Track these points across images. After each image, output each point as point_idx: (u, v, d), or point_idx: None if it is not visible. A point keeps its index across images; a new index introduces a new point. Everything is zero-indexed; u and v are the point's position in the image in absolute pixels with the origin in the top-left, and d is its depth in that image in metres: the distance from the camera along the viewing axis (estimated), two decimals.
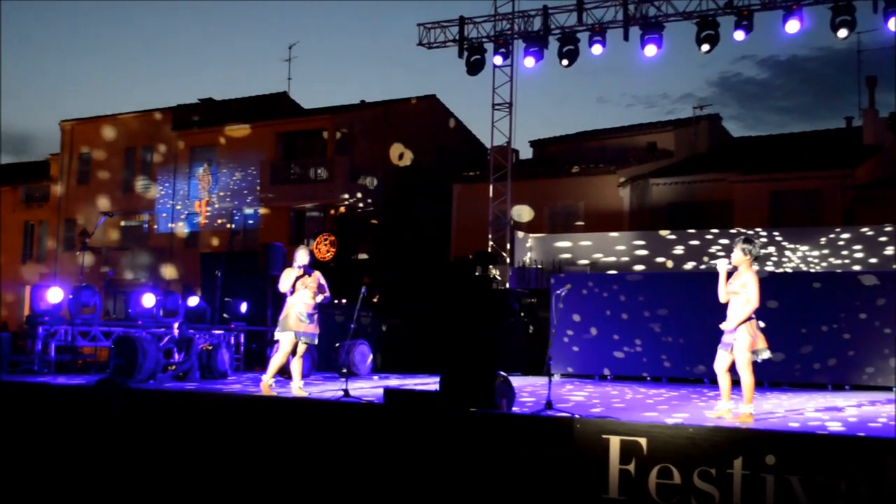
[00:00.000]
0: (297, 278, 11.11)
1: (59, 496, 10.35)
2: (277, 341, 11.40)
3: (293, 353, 11.22)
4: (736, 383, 9.23)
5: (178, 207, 35.30)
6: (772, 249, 20.53)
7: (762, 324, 9.27)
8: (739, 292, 9.02)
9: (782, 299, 14.45)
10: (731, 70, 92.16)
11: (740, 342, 8.94)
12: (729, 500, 6.81)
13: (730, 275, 9.29)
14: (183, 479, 9.57)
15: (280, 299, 11.81)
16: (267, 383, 11.10)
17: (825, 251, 20.25)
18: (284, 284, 11.14)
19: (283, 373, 12.32)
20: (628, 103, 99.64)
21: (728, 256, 9.40)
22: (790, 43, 77.22)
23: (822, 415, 10.01)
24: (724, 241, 20.71)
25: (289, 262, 12.22)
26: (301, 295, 11.13)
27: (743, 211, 25.66)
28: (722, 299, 9.26)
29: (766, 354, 9.04)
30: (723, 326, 9.11)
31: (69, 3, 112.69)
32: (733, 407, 9.21)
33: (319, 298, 11.22)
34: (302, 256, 11.22)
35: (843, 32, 18.57)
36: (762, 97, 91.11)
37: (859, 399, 12.13)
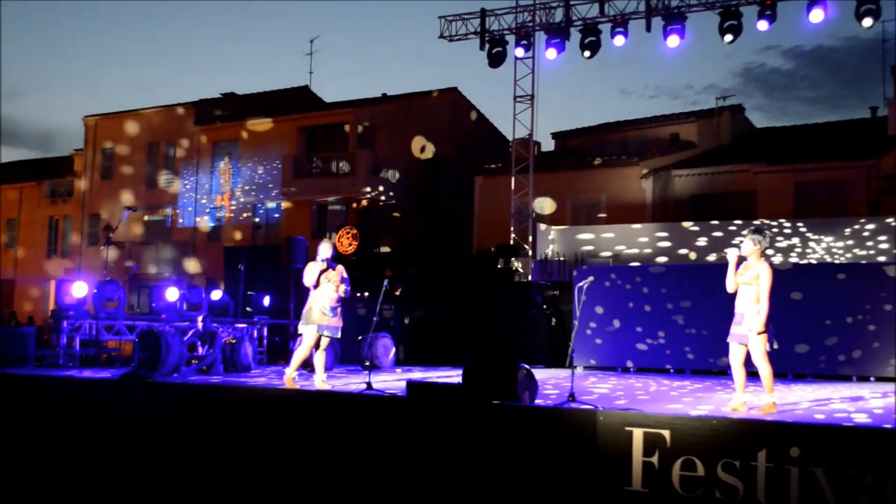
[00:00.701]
0: (321, 272, 11.12)
1: (83, 488, 10.44)
2: (301, 334, 11.44)
3: (316, 346, 11.25)
4: (753, 374, 9.18)
5: (204, 201, 35.42)
6: (796, 240, 20.41)
7: None
8: (752, 284, 8.97)
9: (807, 291, 14.39)
10: (756, 60, 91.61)
11: (756, 333, 8.89)
12: (753, 492, 6.79)
13: (740, 265, 9.24)
14: (206, 472, 9.63)
15: (303, 293, 11.83)
16: (290, 376, 11.14)
17: (850, 242, 20.12)
18: (309, 278, 11.14)
19: (307, 366, 12.37)
20: (652, 95, 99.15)
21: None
22: (816, 33, 76.55)
23: (848, 406, 9.96)
24: None
25: (312, 256, 12.24)
26: (325, 289, 11.13)
27: (767, 202, 25.51)
28: (730, 289, 9.22)
29: (775, 345, 9.00)
30: (749, 327, 8.99)
31: (92, 0, 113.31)
32: (748, 400, 9.17)
33: (342, 291, 11.23)
34: (325, 250, 11.21)
35: (867, 21, 18.41)
36: (787, 87, 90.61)
37: (885, 390, 12.06)
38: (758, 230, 9.29)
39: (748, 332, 8.92)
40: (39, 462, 10.88)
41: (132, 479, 10.13)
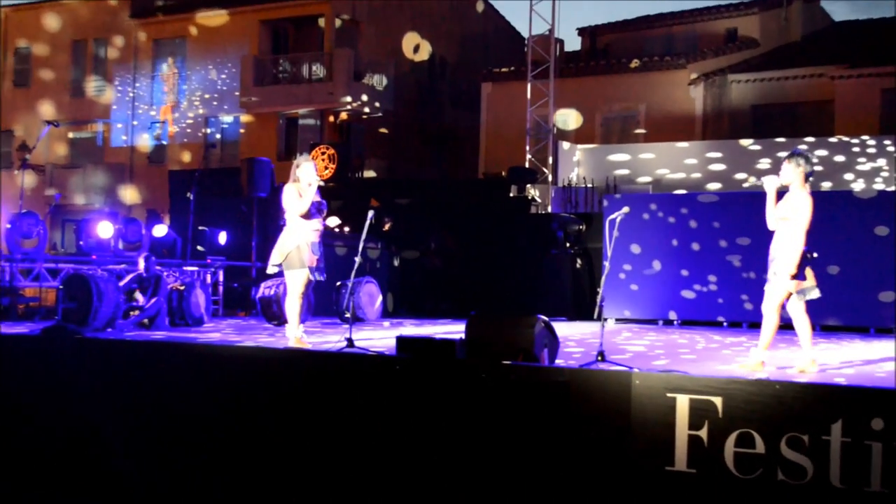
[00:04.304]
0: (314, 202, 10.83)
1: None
2: (268, 278, 11.33)
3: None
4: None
5: (151, 113, 35.28)
6: (882, 162, 20.29)
7: (815, 254, 9.13)
8: (790, 217, 8.94)
9: (894, 225, 14.35)
10: None
11: (783, 277, 8.89)
12: (825, 473, 6.81)
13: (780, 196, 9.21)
14: (147, 445, 9.69)
15: (270, 228, 11.75)
16: (298, 336, 10.93)
17: None
18: (299, 205, 10.71)
19: (273, 318, 12.30)
20: None
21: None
22: None
23: None
24: (823, 153, 20.50)
25: (280, 182, 12.09)
26: (311, 222, 10.84)
27: (846, 114, 25.40)
28: (771, 226, 9.20)
29: (815, 294, 8.98)
30: (774, 270, 9.00)
31: None
32: (817, 357, 9.17)
33: (333, 223, 11.08)
34: (310, 169, 10.83)
35: None
36: None
37: None
38: (798, 153, 9.24)
39: (772, 275, 8.95)
40: None
41: (57, 450, 10.21)
